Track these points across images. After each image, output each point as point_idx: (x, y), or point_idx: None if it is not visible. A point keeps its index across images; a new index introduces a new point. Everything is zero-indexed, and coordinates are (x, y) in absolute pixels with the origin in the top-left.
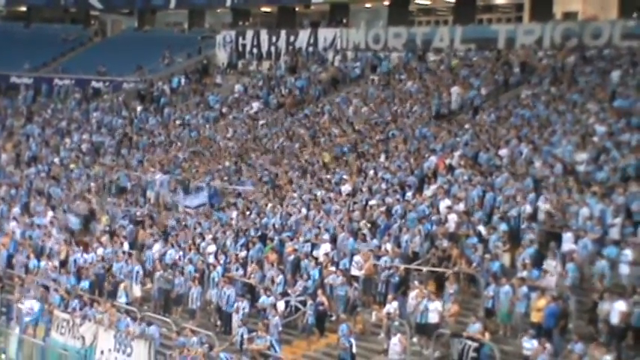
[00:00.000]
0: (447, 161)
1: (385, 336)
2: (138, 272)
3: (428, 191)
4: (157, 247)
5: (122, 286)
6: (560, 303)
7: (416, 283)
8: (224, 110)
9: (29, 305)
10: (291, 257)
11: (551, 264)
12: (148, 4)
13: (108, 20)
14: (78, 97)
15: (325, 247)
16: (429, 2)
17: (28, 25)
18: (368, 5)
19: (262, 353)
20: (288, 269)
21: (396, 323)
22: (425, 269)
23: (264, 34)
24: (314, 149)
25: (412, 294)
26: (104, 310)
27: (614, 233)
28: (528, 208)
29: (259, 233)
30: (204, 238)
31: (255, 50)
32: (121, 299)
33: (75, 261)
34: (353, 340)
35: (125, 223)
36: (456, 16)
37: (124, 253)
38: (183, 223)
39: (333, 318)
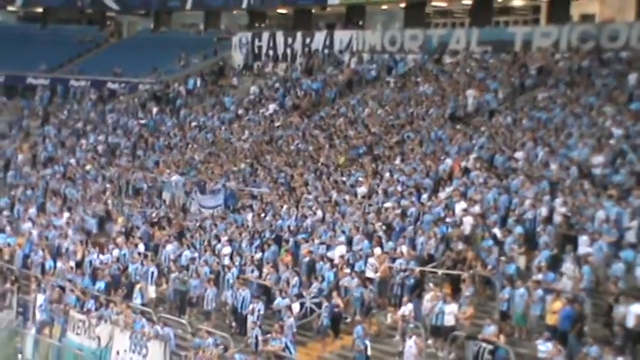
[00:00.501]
0: (463, 164)
1: (400, 338)
2: (153, 273)
3: (443, 194)
4: (172, 249)
5: (137, 287)
6: (575, 306)
7: (431, 285)
8: (240, 112)
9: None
10: (307, 259)
11: (567, 267)
12: (164, 6)
13: (124, 21)
14: (94, 99)
15: (340, 249)
16: (445, 4)
17: (45, 26)
18: (384, 7)
19: (277, 355)
20: (304, 271)
21: (411, 325)
22: (440, 272)
23: (280, 36)
24: (329, 151)
25: (427, 296)
26: (120, 311)
27: (631, 236)
28: (544, 211)
29: (274, 235)
30: (219, 240)
31: (271, 52)
32: (137, 300)
33: (91, 262)
34: (368, 342)
35: (140, 224)
36: (472, 18)
37: (139, 254)
38: (199, 224)
39: (348, 320)
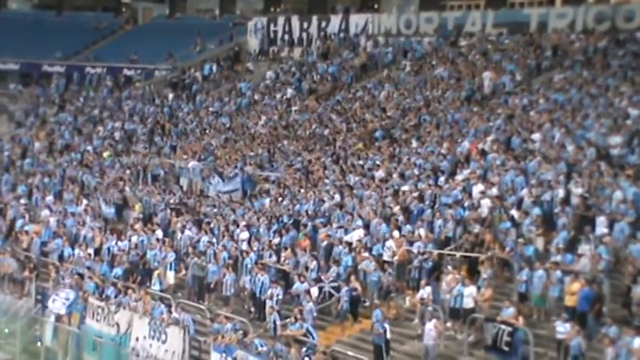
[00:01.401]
0: (480, 146)
1: (419, 321)
2: (172, 259)
3: (460, 176)
4: (190, 234)
5: (156, 273)
6: (594, 287)
7: (449, 268)
8: (256, 97)
9: (64, 296)
10: (325, 243)
11: (585, 248)
12: None
13: (139, 8)
14: (110, 85)
15: (358, 233)
16: None
17: (60, 14)
18: None
19: (297, 339)
20: (322, 255)
21: (430, 308)
22: (458, 254)
23: (295, 21)
24: (346, 135)
25: (446, 279)
26: (139, 298)
27: None
28: (561, 193)
29: (292, 220)
30: (237, 225)
31: (286, 37)
32: (155, 286)
33: (109, 249)
34: (387, 326)
35: (158, 211)
36: (487, 0)
37: (157, 240)
38: (217, 210)
39: (367, 304)
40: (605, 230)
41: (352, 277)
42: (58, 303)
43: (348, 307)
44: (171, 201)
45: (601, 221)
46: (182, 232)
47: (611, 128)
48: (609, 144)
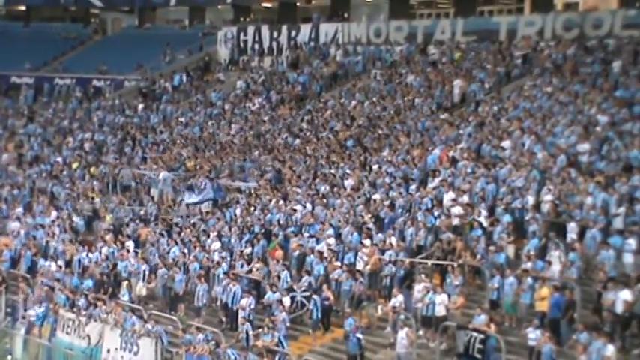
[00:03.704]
0: (450, 154)
1: (392, 329)
2: (145, 271)
3: (431, 184)
4: (161, 245)
5: (124, 284)
6: (565, 293)
7: (422, 276)
8: (226, 107)
9: (33, 313)
10: (296, 253)
11: (555, 254)
12: (148, 2)
13: (108, 18)
14: (79, 96)
15: (329, 242)
16: None
17: (28, 25)
18: None
19: (269, 349)
20: (294, 265)
21: (402, 317)
22: (430, 262)
23: (265, 30)
24: (317, 144)
25: (417, 287)
26: (110, 309)
27: (618, 223)
28: (532, 200)
29: (264, 229)
30: (208, 235)
31: (256, 46)
32: (124, 297)
33: (80, 260)
34: (360, 336)
35: (129, 222)
36: (457, 8)
37: (128, 251)
38: (188, 220)
39: (340, 313)
40: (575, 237)
41: (324, 286)
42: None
43: (319, 316)
44: (141, 212)
45: (571, 228)
46: (153, 244)
47: (581, 135)
48: (578, 151)
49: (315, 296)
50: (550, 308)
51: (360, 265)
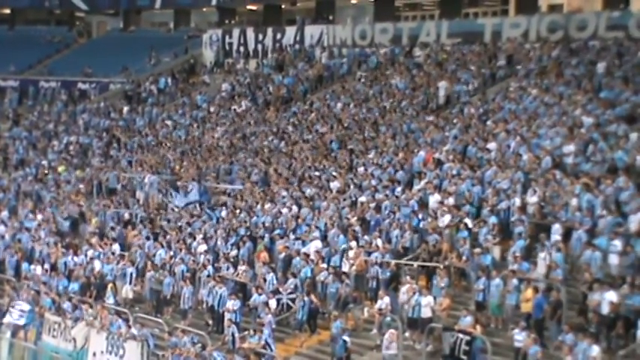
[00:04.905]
0: (436, 156)
1: (378, 332)
2: (132, 274)
3: (417, 186)
4: (147, 248)
5: (109, 286)
6: (552, 294)
7: (407, 278)
8: (212, 109)
9: (20, 308)
10: (282, 255)
11: (541, 256)
12: (133, 5)
13: (93, 21)
14: (64, 99)
15: (316, 244)
16: None
17: (13, 28)
18: (354, 1)
19: (256, 352)
20: (280, 267)
21: (388, 319)
22: (416, 264)
23: (250, 33)
24: (303, 146)
25: (403, 289)
26: (96, 312)
27: (604, 224)
28: (517, 201)
29: (249, 232)
30: (194, 238)
31: (241, 48)
32: (109, 300)
33: (65, 264)
34: (347, 338)
35: (115, 225)
36: (442, 10)
37: (113, 254)
38: (174, 223)
39: (326, 315)
40: (559, 238)
41: (310, 289)
42: (14, 314)
43: (305, 319)
44: (126, 215)
45: (556, 229)
46: (139, 247)
47: (566, 136)
48: (564, 152)
49: (305, 298)
50: (533, 309)
51: (346, 268)
